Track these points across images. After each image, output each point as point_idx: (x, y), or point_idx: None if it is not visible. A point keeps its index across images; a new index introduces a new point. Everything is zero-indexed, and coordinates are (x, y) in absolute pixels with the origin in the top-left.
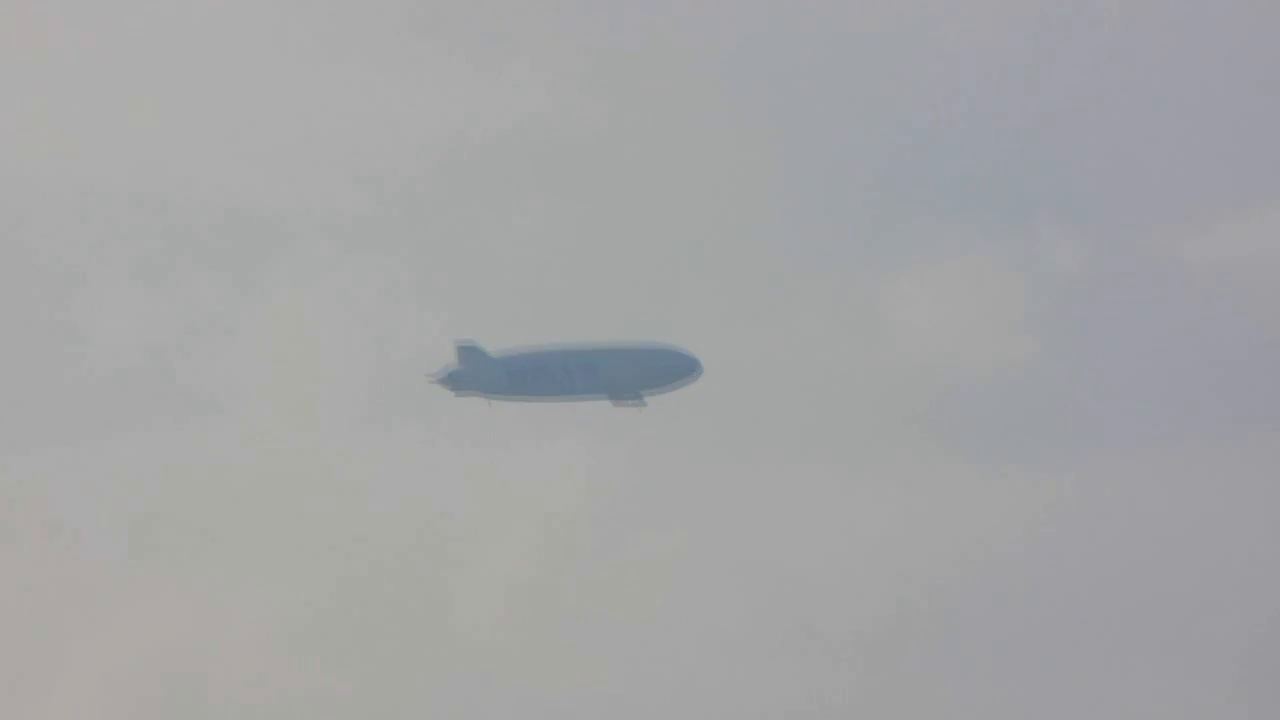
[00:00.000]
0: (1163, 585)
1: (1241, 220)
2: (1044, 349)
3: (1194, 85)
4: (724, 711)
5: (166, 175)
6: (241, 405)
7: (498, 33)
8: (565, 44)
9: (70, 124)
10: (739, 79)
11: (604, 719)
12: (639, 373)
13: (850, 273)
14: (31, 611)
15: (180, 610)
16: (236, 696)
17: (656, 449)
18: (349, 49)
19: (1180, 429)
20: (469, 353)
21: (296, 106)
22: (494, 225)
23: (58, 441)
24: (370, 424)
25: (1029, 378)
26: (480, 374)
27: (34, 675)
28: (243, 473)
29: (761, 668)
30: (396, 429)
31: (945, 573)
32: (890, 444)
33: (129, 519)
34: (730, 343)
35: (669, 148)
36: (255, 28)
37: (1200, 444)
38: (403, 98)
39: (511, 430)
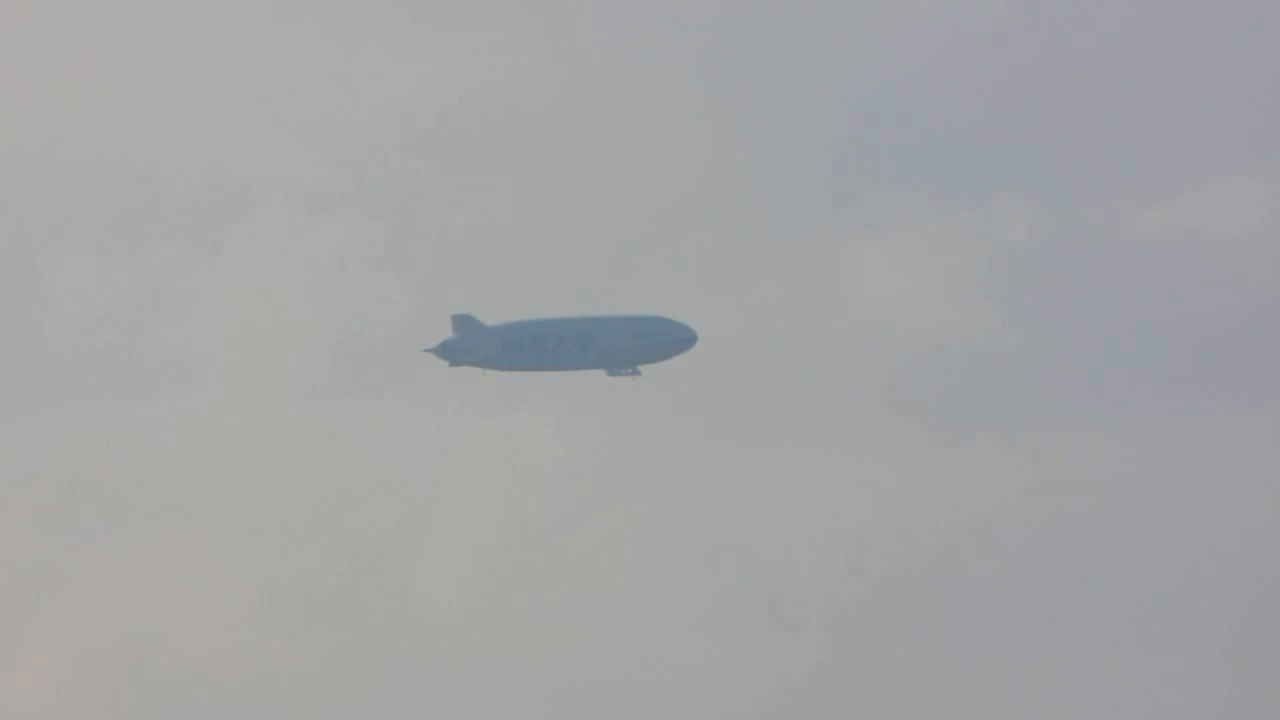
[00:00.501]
0: (1121, 553)
1: (1198, 190)
2: (1003, 318)
3: (1152, 55)
4: (706, 682)
5: (132, 142)
6: (222, 375)
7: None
8: (526, 9)
9: (36, 90)
10: (700, 48)
11: (594, 687)
12: (634, 343)
13: (810, 242)
14: None
15: (148, 579)
16: (205, 665)
17: (647, 420)
18: (312, 14)
19: (1136, 398)
20: (464, 322)
21: (258, 73)
22: (465, 198)
23: (26, 410)
24: (363, 394)
25: (988, 348)
26: (475, 344)
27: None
28: (223, 441)
29: (732, 639)
30: (389, 398)
31: (910, 545)
32: (862, 417)
33: (97, 488)
34: (705, 313)
35: (628, 118)
36: None
37: (1157, 413)
38: (365, 64)
39: (505, 400)
